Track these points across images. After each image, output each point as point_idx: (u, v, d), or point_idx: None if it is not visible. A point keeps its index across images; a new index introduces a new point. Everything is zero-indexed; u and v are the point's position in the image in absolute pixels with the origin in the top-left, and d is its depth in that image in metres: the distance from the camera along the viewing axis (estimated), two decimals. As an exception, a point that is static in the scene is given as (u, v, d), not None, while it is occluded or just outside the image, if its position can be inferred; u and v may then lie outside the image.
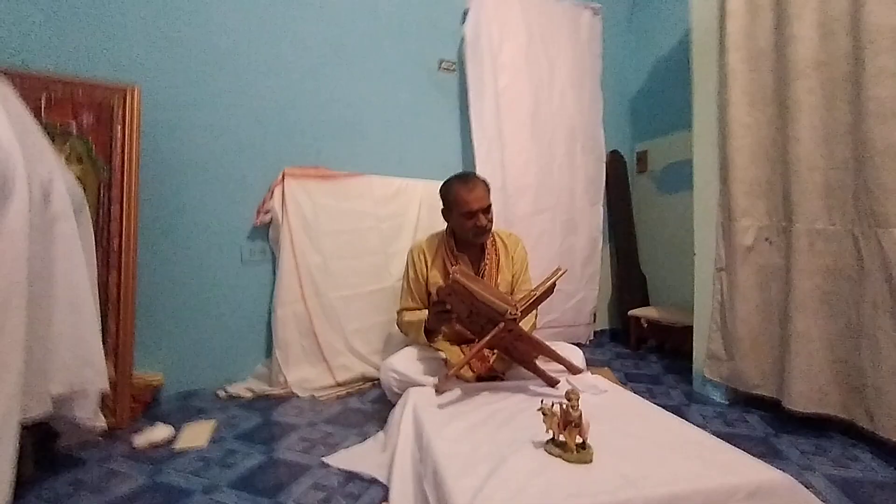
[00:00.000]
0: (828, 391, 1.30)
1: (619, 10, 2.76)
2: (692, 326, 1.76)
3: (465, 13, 2.17)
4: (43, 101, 1.35)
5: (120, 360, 1.42)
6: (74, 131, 1.41)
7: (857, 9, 1.22)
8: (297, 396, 1.72)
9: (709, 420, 1.46)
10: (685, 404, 1.60)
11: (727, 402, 1.60)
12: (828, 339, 1.31)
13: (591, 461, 0.84)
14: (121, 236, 1.46)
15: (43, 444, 1.20)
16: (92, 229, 1.26)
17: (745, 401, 1.57)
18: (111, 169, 1.47)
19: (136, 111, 1.52)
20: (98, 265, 1.30)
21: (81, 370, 1.06)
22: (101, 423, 1.27)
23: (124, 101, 1.51)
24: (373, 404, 1.66)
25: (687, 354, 1.81)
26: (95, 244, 1.30)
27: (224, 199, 1.81)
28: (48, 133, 1.18)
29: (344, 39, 2.04)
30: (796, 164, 1.35)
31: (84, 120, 1.43)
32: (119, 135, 1.48)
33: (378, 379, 1.83)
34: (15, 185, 0.83)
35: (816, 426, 1.35)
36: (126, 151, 1.48)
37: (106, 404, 1.37)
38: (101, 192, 1.45)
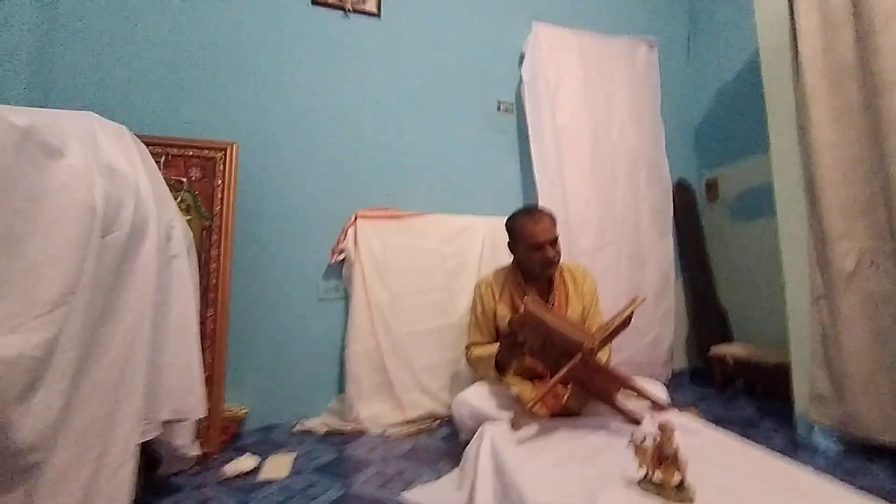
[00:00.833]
0: (974, 438, 1.11)
1: (676, 40, 2.78)
2: (786, 363, 1.60)
3: (522, 56, 2.29)
4: (162, 161, 1.58)
5: (213, 391, 1.52)
6: (185, 184, 1.62)
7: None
8: (369, 432, 1.74)
9: (822, 471, 1.29)
10: (790, 453, 1.42)
11: (842, 451, 1.40)
12: (965, 374, 1.13)
13: (693, 501, 0.77)
14: (218, 276, 1.62)
15: (145, 470, 1.31)
16: (197, 269, 1.41)
17: (865, 449, 1.37)
18: (212, 216, 1.65)
19: (234, 165, 1.73)
20: (199, 302, 1.44)
21: (186, 397, 1.16)
22: (196, 450, 1.36)
23: (225, 157, 1.72)
24: (443, 442, 1.64)
25: (783, 395, 1.63)
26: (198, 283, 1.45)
27: (303, 241, 1.96)
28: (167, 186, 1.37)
29: (408, 88, 2.21)
30: (898, 181, 1.24)
31: (193, 174, 1.65)
32: (220, 186, 1.68)
33: (446, 416, 1.83)
34: (149, 227, 0.97)
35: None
36: (225, 201, 1.67)
37: (198, 434, 1.47)
38: (204, 237, 1.63)
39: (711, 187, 2.61)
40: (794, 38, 1.50)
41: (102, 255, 0.82)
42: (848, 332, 1.37)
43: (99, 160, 0.89)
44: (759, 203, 2.22)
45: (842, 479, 1.22)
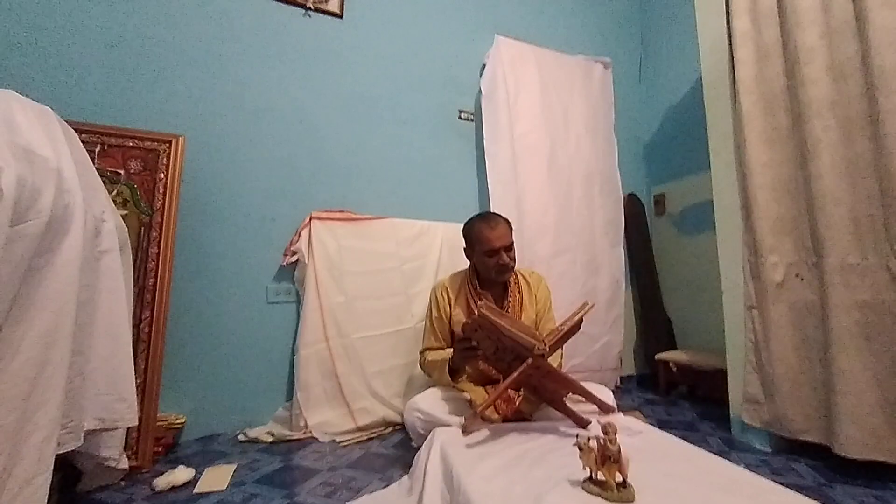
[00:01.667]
0: (882, 435, 1.21)
1: (629, 62, 2.93)
2: (725, 369, 1.69)
3: (483, 67, 2.33)
4: (97, 150, 1.46)
5: (146, 399, 1.42)
6: (123, 176, 1.51)
7: (865, 53, 1.27)
8: (318, 441, 1.68)
9: (752, 469, 1.36)
10: (725, 452, 1.51)
11: (771, 450, 1.50)
12: (875, 377, 1.24)
13: (633, 501, 0.79)
14: (156, 276, 1.51)
15: (65, 485, 1.19)
16: (132, 267, 1.31)
17: (791, 447, 1.47)
18: (152, 211, 1.55)
19: (178, 159, 1.63)
20: (133, 303, 1.34)
21: (114, 405, 1.06)
22: (124, 463, 1.26)
23: (169, 150, 1.62)
24: (395, 449, 1.61)
25: (721, 399, 1.73)
26: (133, 282, 1.35)
27: (252, 241, 1.88)
28: (101, 177, 1.27)
29: (369, 91, 2.18)
30: (821, 199, 1.35)
31: (132, 166, 1.54)
32: (162, 180, 1.58)
33: (399, 423, 1.80)
34: (74, 219, 0.89)
35: (873, 474, 1.25)
36: (167, 196, 1.57)
37: (128, 445, 1.36)
38: (142, 233, 1.53)
39: (659, 201, 2.75)
40: (732, 66, 1.62)
41: (12, 247, 0.74)
42: (776, 340, 1.47)
43: (14, 142, 0.80)
44: (703, 217, 2.36)
45: (770, 476, 1.31)
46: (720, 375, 1.76)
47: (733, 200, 1.64)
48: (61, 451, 0.90)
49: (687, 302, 2.53)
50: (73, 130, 1.08)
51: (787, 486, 1.22)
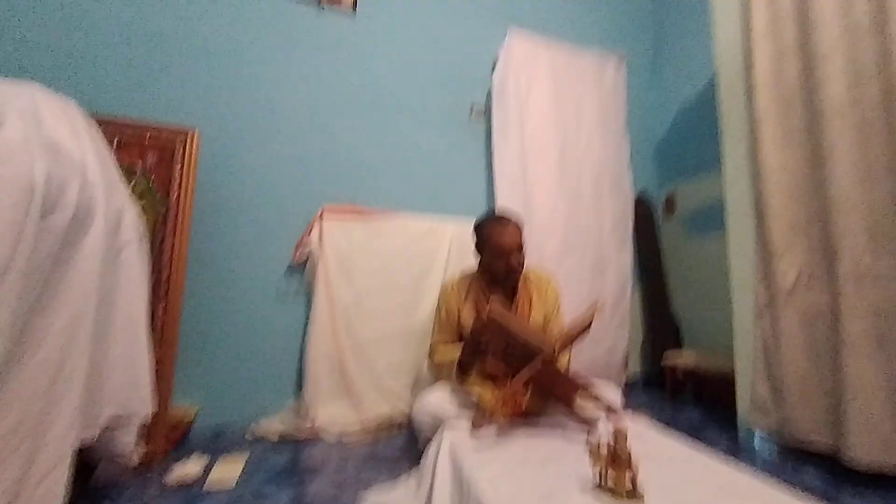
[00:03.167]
0: (892, 442, 1.21)
1: (642, 59, 2.91)
2: (732, 372, 1.69)
3: (495, 63, 2.33)
4: (115, 143, 1.48)
5: (161, 390, 1.43)
6: (139, 170, 1.53)
7: (885, 54, 1.26)
8: (326, 436, 1.69)
9: (759, 475, 1.36)
10: (731, 457, 1.50)
11: (778, 456, 1.50)
12: (886, 384, 1.24)
13: (643, 503, 0.80)
14: (170, 268, 1.53)
15: (78, 478, 1.21)
16: (148, 259, 1.32)
17: (799, 454, 1.47)
18: (168, 204, 1.57)
19: (194, 152, 1.65)
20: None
21: (130, 398, 1.08)
22: (136, 456, 1.27)
23: (185, 143, 1.64)
24: (402, 445, 1.62)
25: (729, 404, 1.73)
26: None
27: (265, 236, 1.90)
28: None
29: (380, 87, 2.19)
30: (834, 203, 1.35)
31: (149, 159, 1.56)
32: (178, 173, 1.60)
33: (406, 420, 1.81)
34: (96, 213, 0.90)
35: (883, 482, 1.24)
36: (183, 189, 1.59)
37: (142, 435, 1.38)
38: (157, 225, 1.54)
39: (669, 201, 2.73)
40: (748, 65, 1.60)
41: (40, 239, 0.76)
42: (786, 344, 1.46)
43: (41, 136, 0.82)
44: (713, 218, 2.34)
45: (778, 480, 1.31)
46: (727, 380, 1.76)
47: (745, 202, 1.63)
48: (78, 445, 0.92)
49: (695, 303, 2.52)
50: (94, 123, 1.10)
51: (796, 489, 1.23)
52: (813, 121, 1.43)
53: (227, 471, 1.37)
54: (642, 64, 2.91)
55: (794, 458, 1.47)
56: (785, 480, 1.32)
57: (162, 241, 1.54)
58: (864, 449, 1.24)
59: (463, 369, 1.45)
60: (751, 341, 1.58)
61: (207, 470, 1.36)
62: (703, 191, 2.47)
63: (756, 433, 1.56)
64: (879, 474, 1.24)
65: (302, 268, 1.94)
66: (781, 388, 1.46)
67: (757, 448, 1.55)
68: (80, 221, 0.87)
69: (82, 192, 0.87)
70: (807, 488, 1.25)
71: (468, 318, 1.54)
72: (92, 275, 0.88)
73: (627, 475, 0.82)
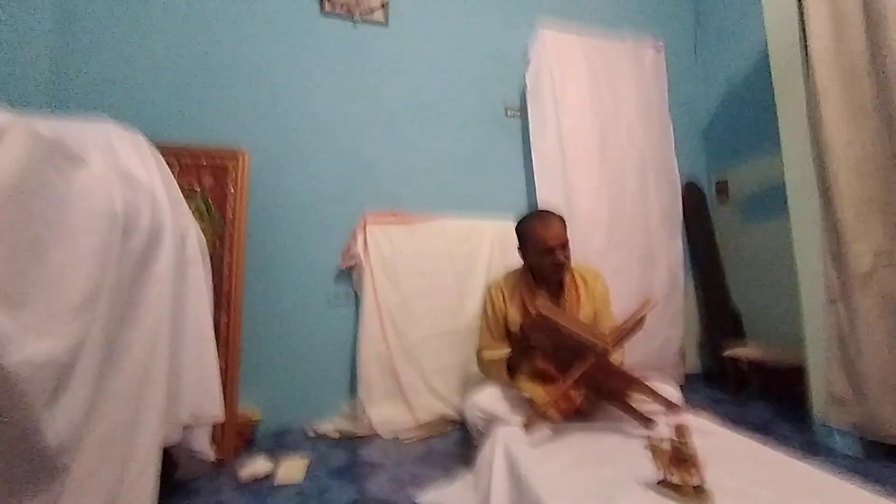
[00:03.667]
0: None
1: (683, 38, 2.78)
2: (802, 365, 1.58)
3: (528, 59, 2.30)
4: (176, 168, 1.60)
5: (227, 395, 1.54)
6: (198, 191, 1.65)
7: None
8: (381, 436, 1.74)
9: (840, 476, 1.27)
10: (807, 456, 1.40)
11: (861, 455, 1.38)
12: None
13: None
14: (231, 281, 1.64)
15: (163, 476, 1.32)
16: (211, 274, 1.42)
17: (885, 452, 1.35)
18: (225, 222, 1.68)
19: (245, 173, 1.75)
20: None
21: (204, 401, 1.17)
22: (212, 455, 1.37)
23: (236, 164, 1.75)
24: (456, 446, 1.64)
25: (800, 398, 1.61)
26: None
27: (313, 246, 1.98)
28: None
29: (417, 95, 2.23)
30: (915, 178, 1.23)
31: (205, 181, 1.68)
32: (231, 193, 1.71)
33: (458, 420, 1.83)
34: (165, 233, 0.99)
35: None
36: (237, 206, 1.70)
37: (213, 438, 1.48)
38: (217, 243, 1.66)
39: (722, 188, 2.59)
40: (804, 34, 1.49)
41: (123, 262, 0.84)
42: (865, 334, 1.35)
43: (118, 167, 0.91)
44: (771, 203, 2.20)
45: (862, 482, 1.21)
46: (798, 372, 1.64)
47: (809, 183, 1.52)
48: (165, 444, 1.00)
49: (756, 293, 2.37)
50: (157, 152, 1.20)
51: (882, 494, 1.13)
52: (882, 90, 1.31)
53: (294, 467, 1.44)
54: (683, 44, 2.77)
55: (880, 459, 1.35)
56: (869, 480, 1.21)
57: (222, 257, 1.65)
58: (964, 446, 1.12)
59: (513, 368, 1.45)
60: (823, 331, 1.47)
61: (275, 467, 1.44)
62: (757, 174, 2.32)
63: (834, 430, 1.44)
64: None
65: (350, 274, 2.00)
66: (862, 381, 1.35)
67: (837, 447, 1.44)
68: (152, 243, 0.96)
69: (154, 217, 0.95)
70: (894, 492, 1.15)
71: (515, 317, 1.53)
72: (165, 289, 0.96)
73: (693, 473, 0.79)
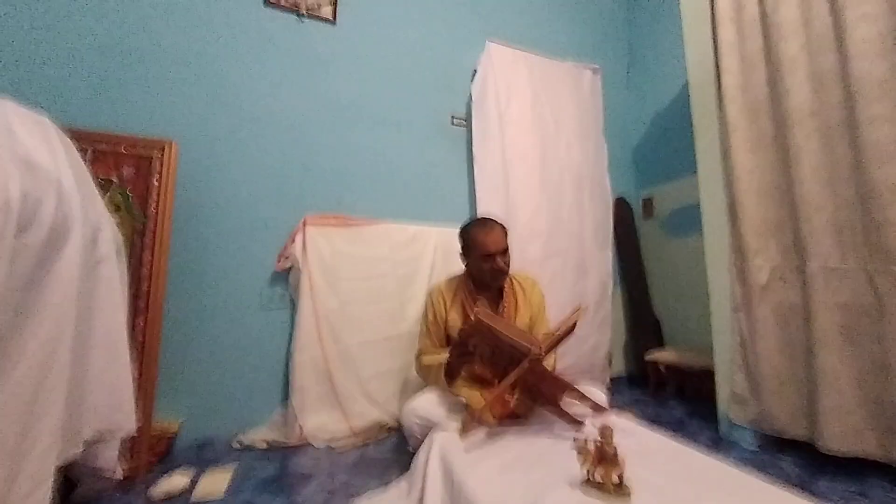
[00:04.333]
0: (863, 431, 1.27)
1: (617, 69, 2.99)
2: (712, 369, 1.74)
3: (475, 72, 2.36)
4: (89, 155, 1.45)
5: (142, 405, 1.40)
6: (115, 182, 1.50)
7: (844, 63, 1.33)
8: (314, 445, 1.68)
9: (739, 466, 1.40)
10: (713, 449, 1.55)
11: (757, 447, 1.55)
12: (856, 376, 1.30)
13: (629, 500, 0.82)
14: (150, 282, 1.50)
15: (60, 496, 1.17)
16: (127, 274, 1.30)
17: (776, 444, 1.52)
18: (146, 217, 1.54)
19: (172, 164, 1.62)
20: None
21: (112, 414, 1.06)
22: (119, 472, 1.24)
23: (162, 155, 1.61)
24: (391, 452, 1.62)
25: (709, 398, 1.78)
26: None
27: (246, 247, 1.87)
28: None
29: (363, 97, 2.20)
30: (803, 204, 1.41)
31: (125, 172, 1.53)
32: (156, 186, 1.57)
33: (394, 427, 1.81)
34: (73, 228, 0.89)
35: (855, 470, 1.30)
36: (161, 201, 1.56)
37: (123, 452, 1.35)
38: (135, 239, 1.51)
39: (647, 204, 2.81)
40: (718, 74, 1.67)
41: (16, 258, 0.74)
42: (762, 340, 1.52)
43: (15, 152, 0.80)
44: (690, 220, 2.41)
45: (757, 472, 1.36)
46: (708, 375, 1.81)
47: (720, 204, 1.69)
48: (62, 462, 0.89)
49: (675, 302, 2.59)
50: (67, 138, 1.08)
51: (774, 480, 1.28)
52: (780, 126, 1.50)
53: (215, 482, 1.35)
54: (618, 73, 2.99)
55: (772, 448, 1.52)
56: (764, 470, 1.37)
57: (141, 254, 1.52)
58: (836, 438, 1.29)
59: (451, 373, 1.46)
60: (728, 337, 1.64)
61: (194, 482, 1.33)
62: (679, 193, 2.54)
63: (736, 425, 1.60)
64: (853, 461, 1.30)
65: (286, 277, 1.92)
66: (759, 382, 1.52)
67: (737, 441, 1.60)
68: (56, 237, 0.85)
69: (58, 208, 0.85)
70: (785, 476, 1.30)
71: (455, 322, 1.55)
72: (69, 291, 0.86)
73: (614, 471, 0.84)
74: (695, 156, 1.83)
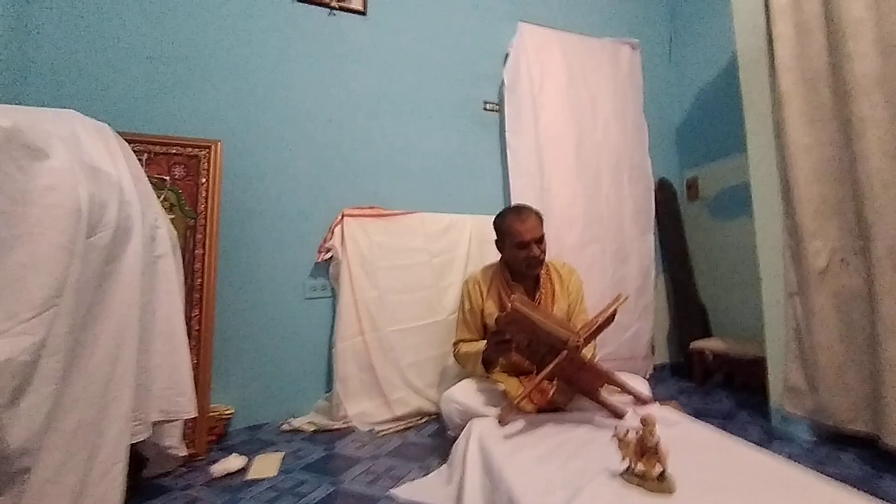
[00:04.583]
0: (934, 426, 1.18)
1: (658, 43, 2.84)
2: (762, 357, 1.66)
3: (507, 57, 2.31)
4: (145, 159, 1.55)
5: (199, 391, 1.51)
6: (168, 183, 1.60)
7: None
8: (357, 430, 1.75)
9: (795, 460, 1.34)
10: (765, 443, 1.48)
11: (813, 441, 1.47)
12: (927, 367, 1.20)
13: (672, 492, 0.80)
14: (203, 276, 1.60)
15: (131, 472, 1.29)
16: (182, 269, 1.39)
17: (836, 438, 1.44)
18: (196, 214, 1.63)
19: (218, 163, 1.70)
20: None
21: (175, 398, 1.15)
22: (183, 451, 1.35)
23: (209, 155, 1.70)
24: (431, 438, 1.66)
25: (759, 388, 1.70)
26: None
27: (289, 240, 1.95)
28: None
29: (395, 88, 2.21)
30: (868, 181, 1.30)
31: (176, 172, 1.63)
32: (204, 184, 1.66)
33: (434, 413, 1.85)
34: (134, 227, 0.96)
35: (925, 466, 1.21)
36: (209, 199, 1.65)
37: (185, 434, 1.46)
38: (188, 235, 1.61)
39: (692, 186, 2.67)
40: (770, 43, 1.55)
41: (88, 258, 0.81)
42: (820, 327, 1.43)
43: (82, 160, 0.87)
44: (738, 202, 2.29)
45: (813, 468, 1.28)
46: (758, 364, 1.73)
47: (772, 184, 1.59)
48: (133, 442, 0.98)
49: (722, 289, 2.47)
50: (126, 143, 1.16)
51: (833, 477, 1.20)
52: (841, 97, 1.38)
53: (268, 462, 1.44)
54: (658, 49, 2.84)
55: (831, 445, 1.43)
56: (821, 467, 1.29)
57: (193, 249, 1.61)
58: (904, 432, 1.20)
59: (488, 363, 1.47)
60: (782, 326, 1.55)
61: (248, 462, 1.43)
62: (726, 174, 2.41)
63: (790, 417, 1.53)
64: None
65: (326, 269, 1.99)
66: (816, 373, 1.43)
67: (791, 435, 1.53)
68: (120, 238, 0.93)
69: (121, 210, 0.92)
70: (844, 475, 1.23)
71: (491, 312, 1.56)
72: (133, 286, 0.94)
73: (657, 464, 0.83)
74: (743, 132, 1.72)
